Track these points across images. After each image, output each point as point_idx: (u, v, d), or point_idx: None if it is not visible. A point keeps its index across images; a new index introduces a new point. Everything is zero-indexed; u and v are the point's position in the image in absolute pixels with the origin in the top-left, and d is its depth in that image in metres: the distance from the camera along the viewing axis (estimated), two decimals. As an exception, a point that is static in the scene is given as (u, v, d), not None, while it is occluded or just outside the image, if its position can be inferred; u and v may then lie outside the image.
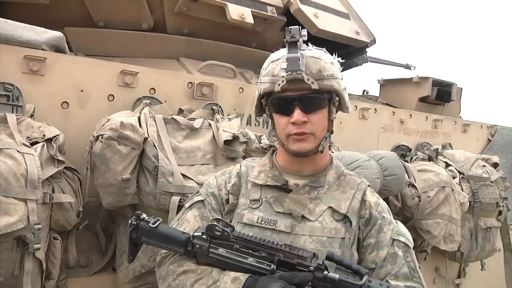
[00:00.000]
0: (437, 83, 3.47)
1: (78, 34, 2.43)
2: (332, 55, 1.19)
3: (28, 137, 1.51)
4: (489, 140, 3.70)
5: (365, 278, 0.97)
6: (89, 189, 1.67)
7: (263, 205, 1.16)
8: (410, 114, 3.14)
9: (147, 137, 1.68)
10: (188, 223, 1.18)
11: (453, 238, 2.44)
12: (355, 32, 3.16)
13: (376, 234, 1.16)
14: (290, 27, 1.08)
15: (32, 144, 1.50)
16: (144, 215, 1.11)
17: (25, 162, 1.37)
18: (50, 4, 2.34)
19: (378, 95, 3.97)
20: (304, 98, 1.09)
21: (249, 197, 1.18)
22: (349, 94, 4.38)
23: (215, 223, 1.05)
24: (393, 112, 3.03)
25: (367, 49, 3.45)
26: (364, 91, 4.20)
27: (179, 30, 2.73)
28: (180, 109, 2.00)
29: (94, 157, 1.58)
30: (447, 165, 2.86)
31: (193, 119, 1.91)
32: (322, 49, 1.17)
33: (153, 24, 2.65)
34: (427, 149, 3.02)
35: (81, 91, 1.80)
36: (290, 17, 2.94)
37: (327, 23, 2.96)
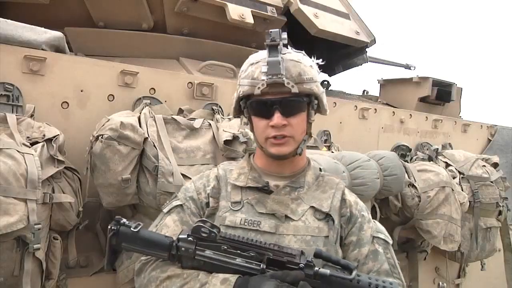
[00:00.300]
0: (437, 83, 3.47)
1: (78, 34, 2.44)
2: (311, 57, 1.20)
3: (28, 137, 1.51)
4: (489, 140, 3.70)
5: (354, 272, 0.98)
6: (89, 189, 1.67)
7: (245, 207, 1.16)
8: (410, 114, 3.14)
9: (147, 137, 1.68)
10: (168, 228, 1.15)
11: (453, 238, 2.44)
12: (355, 32, 3.16)
13: (357, 232, 1.18)
14: (270, 30, 1.08)
15: (32, 144, 1.50)
16: (124, 220, 1.06)
17: (25, 162, 1.37)
18: (50, 4, 2.34)
19: (378, 95, 3.97)
20: (284, 101, 1.10)
21: (230, 200, 1.17)
22: (349, 94, 4.37)
23: (201, 224, 1.03)
24: (393, 112, 3.03)
25: (367, 49, 3.45)
26: (364, 91, 4.20)
27: (179, 30, 2.73)
28: (180, 109, 2.00)
29: (94, 157, 1.58)
30: (447, 165, 2.86)
31: (193, 119, 1.91)
32: (301, 52, 1.18)
33: (153, 24, 2.65)
34: (427, 149, 3.02)
35: (81, 91, 1.80)
36: (290, 17, 2.94)
37: (327, 23, 2.96)
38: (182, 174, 1.66)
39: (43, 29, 1.76)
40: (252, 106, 1.15)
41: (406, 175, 2.33)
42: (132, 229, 1.04)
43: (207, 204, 1.20)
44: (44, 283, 1.51)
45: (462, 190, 2.72)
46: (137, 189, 1.68)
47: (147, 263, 1.11)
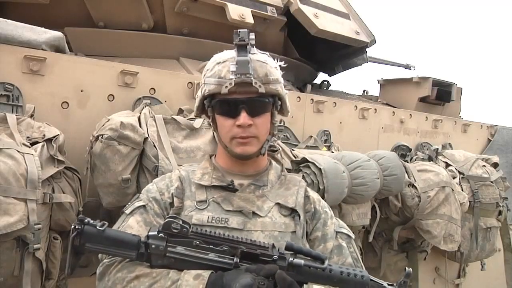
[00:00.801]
0: (437, 83, 3.47)
1: (78, 34, 2.44)
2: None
3: (28, 137, 1.52)
4: (489, 140, 3.70)
5: (326, 262, 1.00)
6: (89, 189, 1.67)
7: (211, 205, 1.16)
8: (410, 114, 3.14)
9: (147, 137, 1.68)
10: (132, 229, 1.11)
11: (453, 238, 2.44)
12: (355, 32, 3.17)
13: (322, 228, 1.21)
14: (239, 30, 1.09)
15: (32, 144, 1.50)
16: (89, 219, 1.00)
17: (25, 162, 1.37)
18: (50, 4, 2.34)
19: (378, 95, 3.97)
20: (250, 101, 1.11)
21: (195, 199, 1.17)
22: (349, 94, 4.37)
23: (172, 220, 1.00)
24: (393, 112, 3.03)
25: (367, 49, 3.45)
26: (364, 91, 4.20)
27: (179, 30, 2.73)
28: (180, 109, 2.00)
29: (94, 157, 1.58)
30: (447, 165, 2.86)
31: (193, 119, 1.91)
32: (266, 53, 1.19)
33: (153, 24, 2.65)
34: (427, 149, 3.02)
35: (81, 91, 1.80)
36: (290, 17, 2.94)
37: (327, 23, 2.96)
38: (182, 174, 1.66)
39: (43, 29, 1.76)
40: (218, 105, 1.15)
41: (406, 175, 2.33)
42: (98, 227, 0.98)
43: (171, 204, 1.18)
44: (44, 283, 1.51)
45: (462, 190, 2.72)
46: (137, 189, 1.68)
47: (111, 265, 1.06)
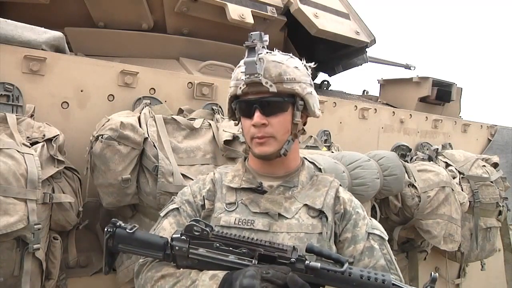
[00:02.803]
0: (437, 83, 3.47)
1: (78, 34, 2.44)
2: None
3: (28, 137, 1.51)
4: (489, 140, 3.70)
5: (346, 265, 0.98)
6: (89, 189, 1.67)
7: (239, 207, 1.18)
8: (410, 114, 3.14)
9: (147, 137, 1.68)
10: (165, 231, 1.17)
11: (453, 238, 2.44)
12: (355, 32, 3.16)
13: (352, 229, 1.19)
14: (251, 33, 1.10)
15: (32, 144, 1.50)
16: (120, 222, 1.09)
17: (25, 162, 1.37)
18: (50, 4, 2.34)
19: (378, 95, 3.97)
20: (262, 101, 1.13)
21: (225, 201, 1.20)
22: (349, 94, 4.36)
23: (193, 223, 1.04)
24: (393, 112, 3.03)
25: (367, 49, 3.45)
26: (364, 91, 4.20)
27: (179, 30, 2.73)
28: (180, 109, 2.00)
29: (94, 157, 1.58)
30: (447, 165, 2.86)
31: (193, 119, 1.91)
32: (289, 54, 1.20)
33: (153, 24, 2.65)
34: (427, 149, 3.02)
35: (81, 91, 1.80)
36: (290, 17, 2.94)
37: (327, 23, 2.96)
38: (182, 174, 1.66)
39: (43, 29, 1.76)
40: (238, 106, 1.19)
41: (406, 175, 2.33)
42: (127, 230, 1.07)
43: (203, 206, 1.22)
44: (44, 283, 1.51)
45: (462, 190, 2.72)
46: (137, 189, 1.68)
47: (144, 265, 1.13)
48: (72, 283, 1.71)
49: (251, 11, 2.66)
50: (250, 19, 2.61)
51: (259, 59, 1.08)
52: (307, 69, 1.21)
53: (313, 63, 1.24)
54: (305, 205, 1.18)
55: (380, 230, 1.22)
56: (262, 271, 0.93)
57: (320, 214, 1.17)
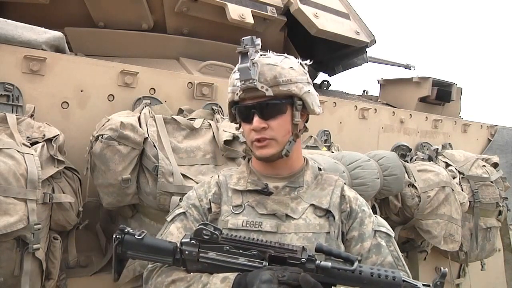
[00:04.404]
0: (437, 83, 3.47)
1: (78, 34, 2.44)
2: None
3: (28, 137, 1.51)
4: (489, 140, 3.70)
5: (356, 264, 0.99)
6: (89, 189, 1.67)
7: (246, 209, 1.18)
8: (410, 114, 3.14)
9: (147, 137, 1.68)
10: (172, 235, 1.17)
11: (454, 238, 2.44)
12: (355, 32, 3.16)
13: (358, 227, 1.20)
14: (243, 38, 1.10)
15: (32, 144, 1.50)
16: (128, 229, 1.09)
17: (25, 162, 1.37)
18: (50, 4, 2.34)
19: (378, 95, 3.97)
20: (260, 105, 1.13)
21: (231, 204, 1.20)
22: (349, 94, 4.35)
23: (203, 227, 1.05)
24: (393, 112, 3.03)
25: (367, 49, 3.45)
26: (364, 91, 4.20)
27: (179, 30, 2.73)
28: (180, 109, 2.00)
29: (94, 157, 1.58)
30: (447, 165, 2.86)
31: (193, 119, 1.91)
32: (283, 55, 1.19)
33: (153, 24, 2.65)
34: (427, 149, 3.02)
35: (81, 91, 1.80)
36: (290, 17, 2.94)
37: (327, 23, 2.96)
38: (182, 174, 1.66)
39: (43, 29, 1.76)
40: (237, 112, 1.20)
41: (406, 175, 2.33)
42: (136, 236, 1.07)
43: (209, 209, 1.21)
44: (44, 283, 1.51)
45: (462, 190, 2.72)
46: (137, 189, 1.68)
47: (153, 270, 1.13)
48: (72, 283, 1.71)
49: (251, 11, 2.66)
50: (250, 19, 2.61)
51: (253, 63, 1.08)
52: (303, 67, 1.20)
53: (308, 60, 1.23)
54: (312, 205, 1.18)
55: (386, 227, 1.23)
56: (278, 274, 0.93)
57: (327, 213, 1.17)
